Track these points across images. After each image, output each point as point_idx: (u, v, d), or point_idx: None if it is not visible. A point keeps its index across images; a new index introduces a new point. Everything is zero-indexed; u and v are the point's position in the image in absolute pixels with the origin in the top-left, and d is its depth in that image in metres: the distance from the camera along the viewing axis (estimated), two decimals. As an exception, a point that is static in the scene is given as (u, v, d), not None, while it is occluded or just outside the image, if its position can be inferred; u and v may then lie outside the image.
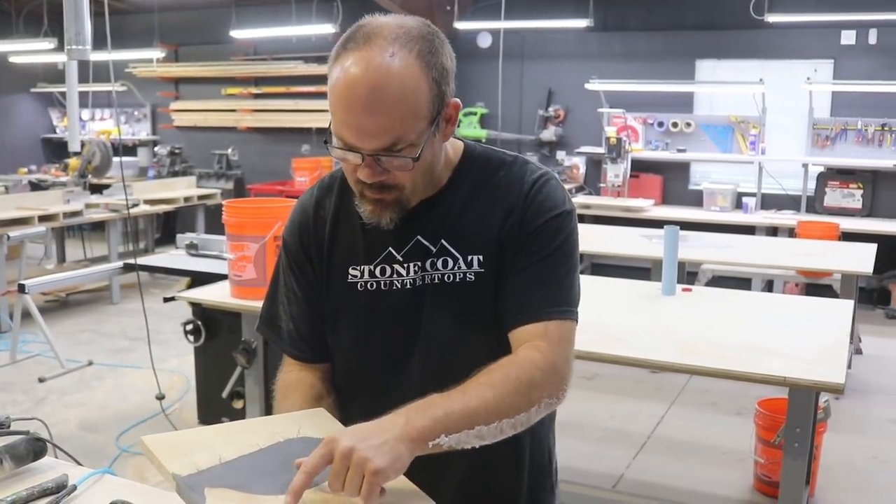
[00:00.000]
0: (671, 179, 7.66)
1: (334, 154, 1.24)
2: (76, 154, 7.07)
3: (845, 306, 3.17)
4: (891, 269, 6.44)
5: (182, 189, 8.06)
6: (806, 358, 2.46)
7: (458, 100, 1.27)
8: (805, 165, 6.93)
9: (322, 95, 8.47)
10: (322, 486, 1.10)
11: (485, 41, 7.95)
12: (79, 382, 4.92)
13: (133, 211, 6.52)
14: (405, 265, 1.35)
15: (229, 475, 1.12)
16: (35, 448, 1.43)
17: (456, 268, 1.33)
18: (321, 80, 8.54)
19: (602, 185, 7.50)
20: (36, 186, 8.35)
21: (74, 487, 1.35)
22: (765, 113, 7.05)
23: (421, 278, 1.35)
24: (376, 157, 1.21)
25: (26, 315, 5.22)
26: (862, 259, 4.44)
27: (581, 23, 7.25)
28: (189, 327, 4.04)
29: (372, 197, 1.28)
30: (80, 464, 1.51)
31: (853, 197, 6.87)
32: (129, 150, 9.97)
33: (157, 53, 9.39)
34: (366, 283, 1.37)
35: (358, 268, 1.38)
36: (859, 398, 4.61)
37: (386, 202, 1.28)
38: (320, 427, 1.26)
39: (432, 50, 1.21)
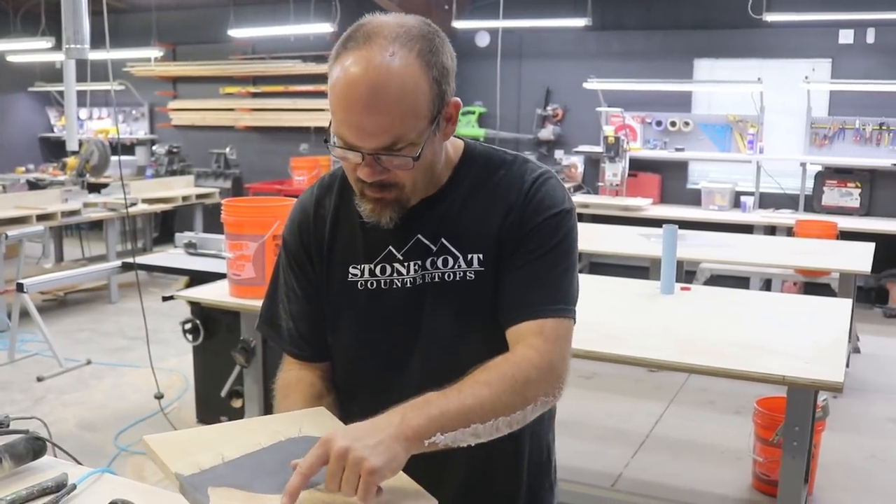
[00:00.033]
0: (669, 178, 7.66)
1: (334, 153, 1.24)
2: (74, 153, 7.05)
3: (843, 305, 3.18)
4: (889, 267, 6.44)
5: (180, 188, 8.06)
6: (804, 357, 2.46)
7: (458, 99, 1.27)
8: (803, 164, 6.93)
9: (320, 94, 8.49)
10: (319, 486, 1.10)
11: (483, 40, 7.94)
12: (77, 381, 4.92)
13: (131, 210, 6.50)
14: (405, 264, 1.35)
15: (232, 474, 1.12)
16: (34, 447, 1.43)
17: (456, 266, 1.33)
18: (319, 79, 8.54)
19: (600, 184, 7.50)
20: (34, 185, 8.34)
21: (74, 486, 1.35)
22: (763, 112, 7.05)
23: (421, 277, 1.34)
24: (376, 157, 1.21)
25: (24, 314, 5.21)
26: (860, 258, 4.44)
27: (579, 22, 7.24)
28: (188, 326, 4.03)
29: (372, 196, 1.27)
30: (79, 463, 1.51)
31: (851, 196, 6.88)
32: (127, 149, 9.95)
33: (155, 52, 9.38)
34: (366, 281, 1.37)
35: (358, 266, 1.38)
36: (858, 397, 4.61)
37: (386, 201, 1.28)
38: (321, 426, 1.26)
39: (433, 49, 1.21)
